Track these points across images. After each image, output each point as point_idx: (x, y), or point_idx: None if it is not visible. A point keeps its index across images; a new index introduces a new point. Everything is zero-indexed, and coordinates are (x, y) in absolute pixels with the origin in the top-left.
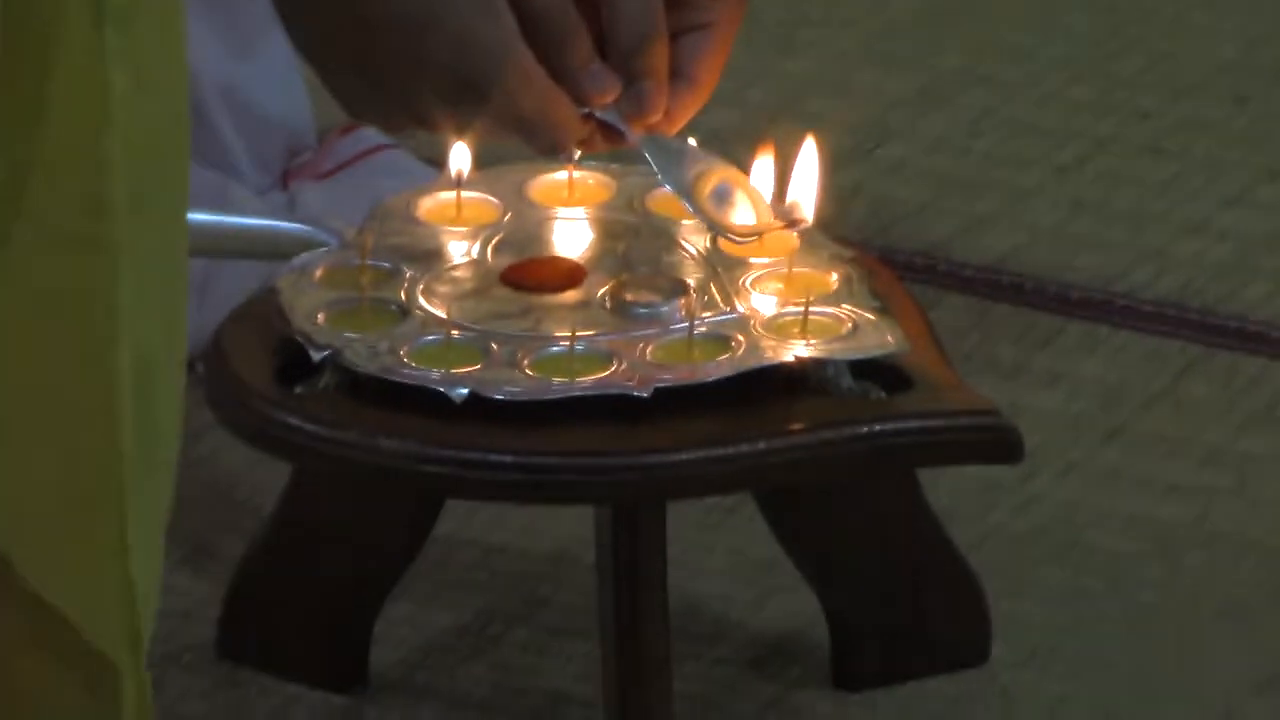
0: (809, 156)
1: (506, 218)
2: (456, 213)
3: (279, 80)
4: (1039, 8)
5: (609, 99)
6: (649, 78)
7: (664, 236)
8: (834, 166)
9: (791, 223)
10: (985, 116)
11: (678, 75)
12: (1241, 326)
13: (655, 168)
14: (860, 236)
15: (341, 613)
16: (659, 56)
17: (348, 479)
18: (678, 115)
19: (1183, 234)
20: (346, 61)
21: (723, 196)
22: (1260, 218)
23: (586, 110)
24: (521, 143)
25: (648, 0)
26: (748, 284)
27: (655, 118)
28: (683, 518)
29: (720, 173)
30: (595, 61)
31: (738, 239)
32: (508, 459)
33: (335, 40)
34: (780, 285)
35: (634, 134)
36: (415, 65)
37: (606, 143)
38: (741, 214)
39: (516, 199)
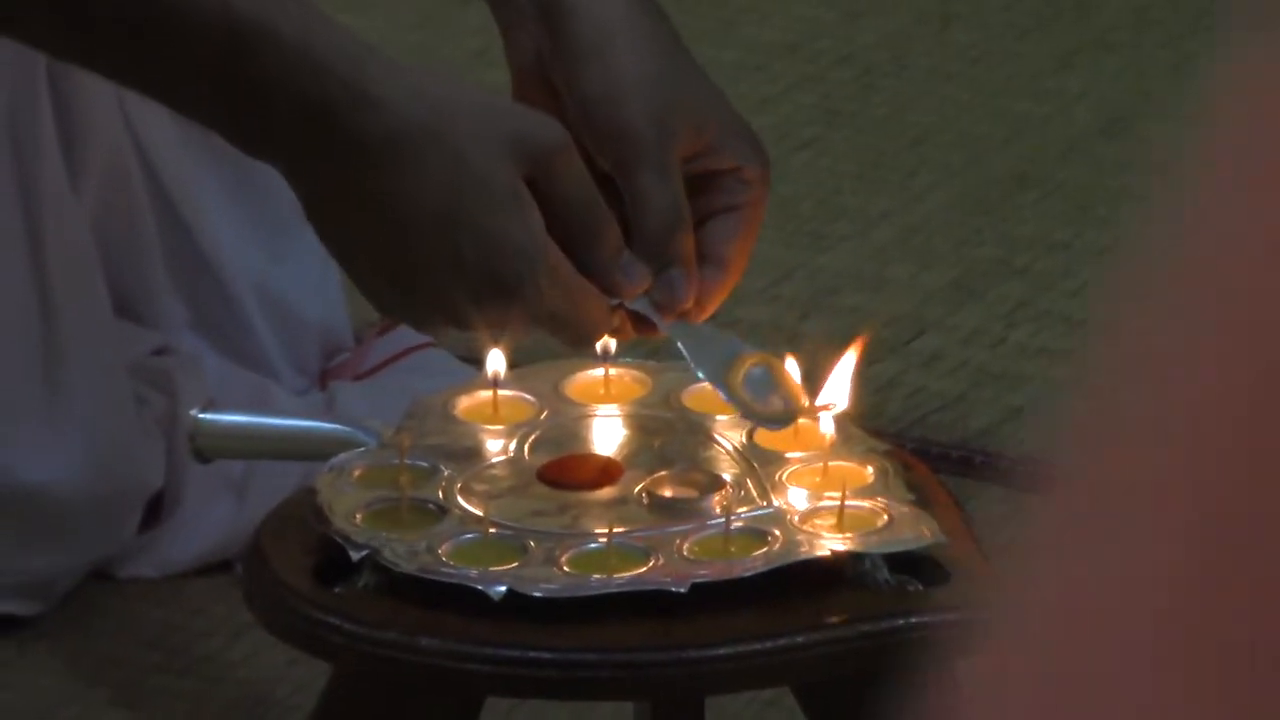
0: (846, 350)
1: (543, 415)
2: (494, 411)
3: (314, 281)
4: (1073, 198)
5: (639, 292)
6: (678, 266)
7: (699, 432)
8: (870, 359)
9: (825, 407)
10: (1020, 308)
11: (706, 260)
12: None
13: (687, 356)
14: (896, 429)
15: None
16: (687, 244)
17: (388, 678)
18: (708, 301)
19: None
20: (376, 261)
21: (757, 382)
22: None
23: (617, 302)
24: (552, 337)
25: (672, 187)
26: (783, 478)
27: (687, 305)
28: (722, 712)
29: (753, 358)
30: (625, 254)
31: (771, 424)
32: (546, 656)
33: (363, 240)
34: (816, 479)
35: (665, 323)
36: (444, 264)
37: (638, 333)
38: (775, 400)
39: (553, 397)
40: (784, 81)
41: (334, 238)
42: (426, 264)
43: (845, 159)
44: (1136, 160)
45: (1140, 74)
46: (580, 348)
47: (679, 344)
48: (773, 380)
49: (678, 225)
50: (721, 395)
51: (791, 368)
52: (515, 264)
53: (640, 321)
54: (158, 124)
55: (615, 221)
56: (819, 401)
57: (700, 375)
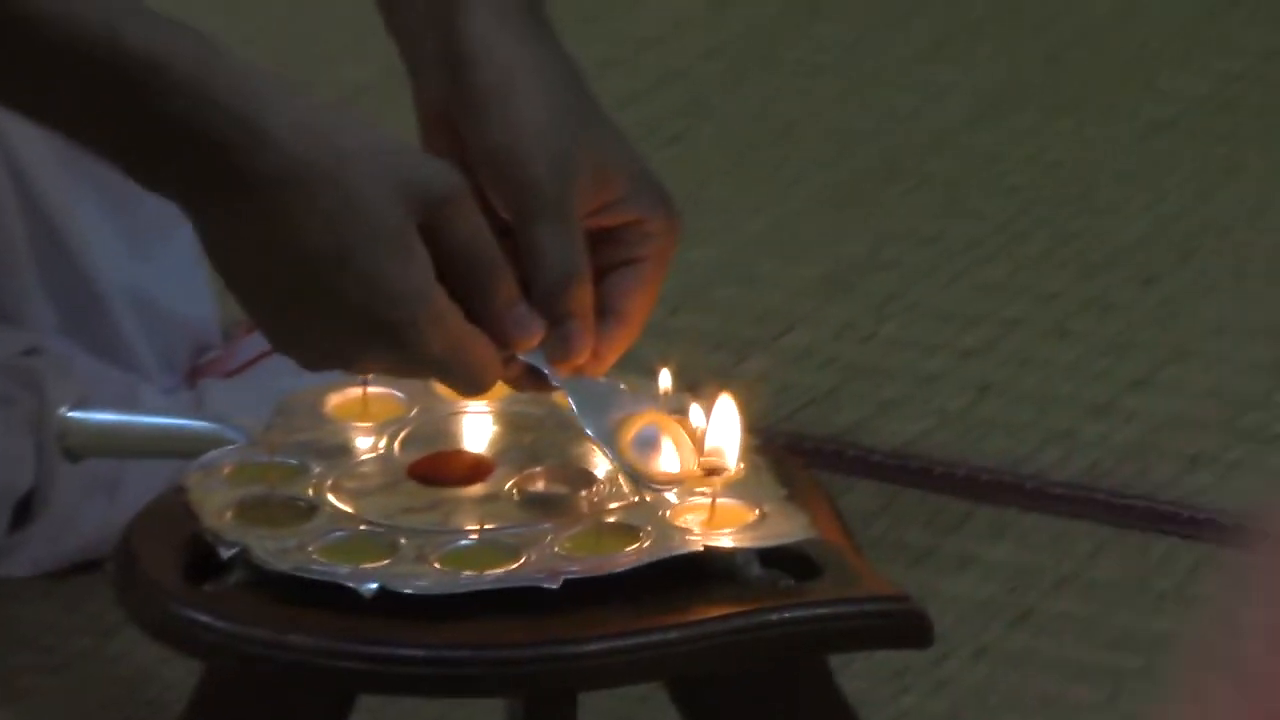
0: (728, 407)
1: (413, 412)
2: (363, 408)
3: (182, 279)
4: (944, 192)
5: (533, 344)
6: (573, 319)
7: (570, 428)
8: (739, 355)
9: (712, 471)
10: (890, 301)
11: (606, 313)
12: (1150, 507)
13: (576, 413)
14: (767, 424)
15: None
16: (583, 297)
17: (259, 676)
18: (607, 354)
19: (1090, 415)
20: (266, 299)
21: (646, 442)
22: (1167, 398)
23: (511, 354)
24: (441, 384)
25: (569, 239)
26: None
27: (581, 359)
28: (595, 708)
29: (644, 418)
30: (519, 304)
31: (657, 488)
32: (418, 653)
33: (254, 277)
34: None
35: (558, 377)
36: (328, 308)
37: (532, 387)
38: (664, 461)
39: (423, 394)
40: (650, 75)
41: (226, 270)
42: (311, 305)
43: (713, 153)
44: (1006, 151)
45: (1010, 63)
46: (469, 396)
47: (570, 401)
48: (663, 440)
49: (574, 277)
50: (608, 456)
51: (697, 416)
52: (397, 310)
53: (536, 375)
54: (24, 127)
55: (510, 271)
56: (705, 461)
57: (588, 433)
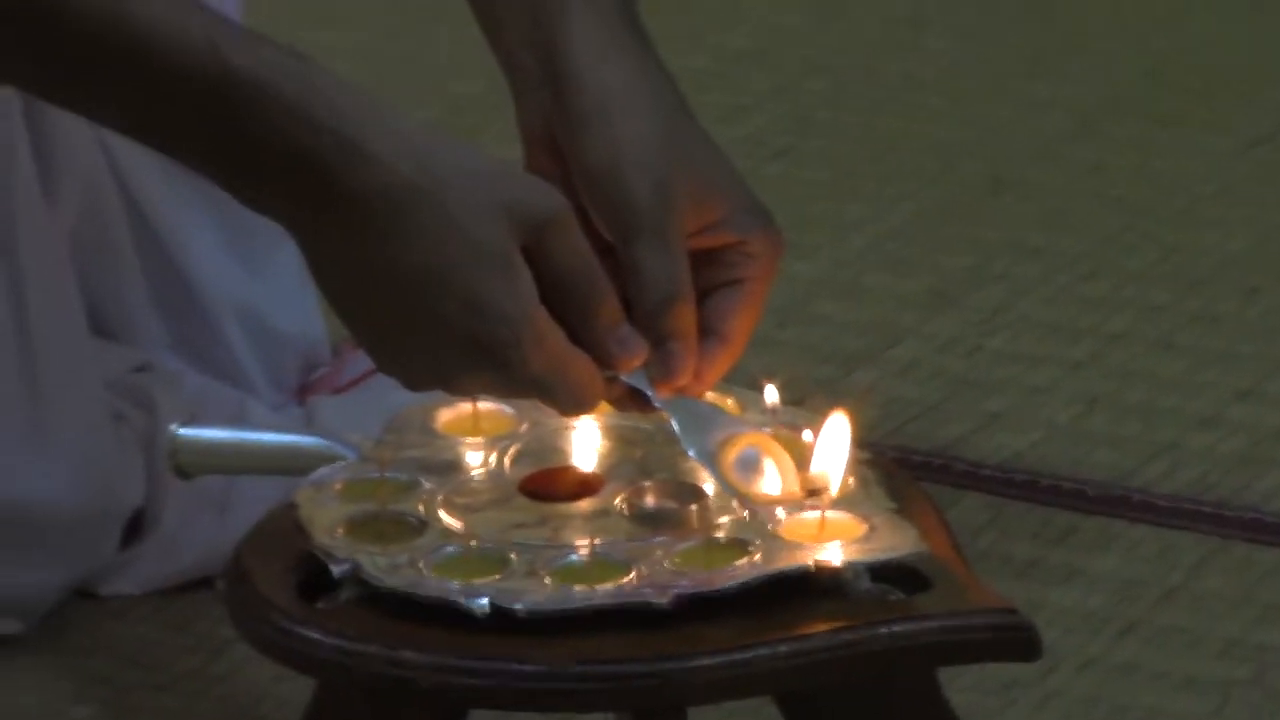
0: (837, 426)
1: (523, 428)
2: (474, 424)
3: (290, 295)
4: (1049, 205)
5: (635, 364)
6: (675, 340)
7: (679, 443)
8: (847, 368)
9: (814, 492)
10: (996, 315)
11: (708, 333)
12: (1257, 518)
13: (679, 433)
14: (875, 437)
15: None
16: (685, 317)
17: (371, 693)
18: (709, 375)
19: (1196, 428)
20: (369, 318)
21: (749, 463)
22: (1272, 410)
23: (614, 374)
24: (543, 404)
25: (672, 260)
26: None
27: (683, 381)
28: None
29: (747, 438)
30: (622, 325)
31: (759, 509)
32: (529, 669)
33: (357, 295)
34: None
35: (660, 398)
36: (430, 327)
37: (637, 408)
38: (766, 482)
39: (532, 409)
40: (754, 90)
41: (331, 290)
42: (413, 325)
43: (817, 168)
44: (1108, 164)
45: (1110, 76)
46: (572, 415)
47: (672, 422)
48: (766, 461)
49: (676, 298)
50: (711, 475)
51: (805, 436)
52: (498, 330)
53: (639, 395)
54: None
55: (612, 292)
56: (808, 481)
57: (690, 453)
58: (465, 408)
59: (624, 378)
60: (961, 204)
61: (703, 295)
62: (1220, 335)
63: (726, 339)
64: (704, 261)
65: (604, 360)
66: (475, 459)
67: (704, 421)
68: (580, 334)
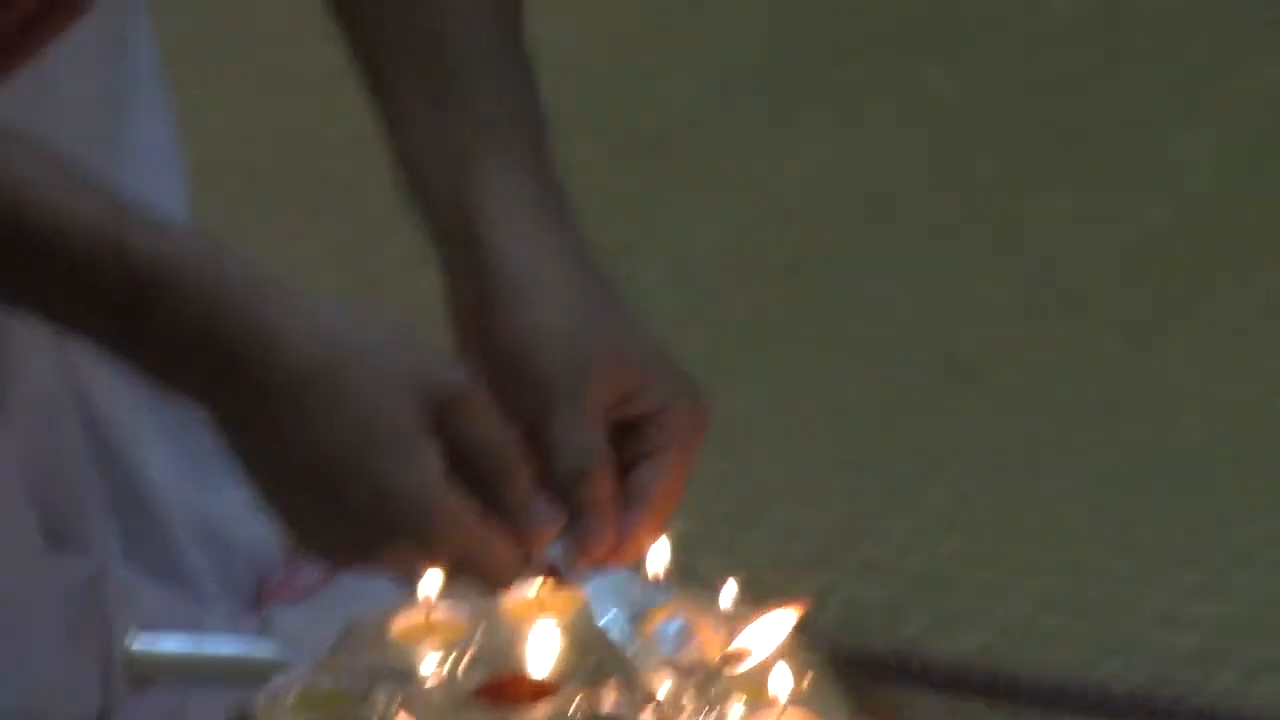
0: (782, 620)
1: (478, 633)
2: (428, 630)
3: (243, 502)
4: (1001, 398)
5: (549, 538)
6: (590, 511)
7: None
8: (805, 570)
9: (740, 656)
10: (954, 515)
11: (631, 504)
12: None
13: (593, 606)
14: (834, 638)
15: None
16: (601, 488)
17: None
18: (630, 546)
19: (1152, 624)
20: (283, 498)
21: (670, 635)
22: (1228, 605)
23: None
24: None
25: (587, 429)
26: (723, 688)
27: (599, 553)
28: None
29: (667, 609)
30: (534, 498)
31: (681, 679)
32: None
33: (270, 476)
34: (754, 690)
35: (577, 571)
36: (341, 510)
37: (558, 581)
38: (689, 653)
39: (488, 614)
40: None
41: (245, 469)
42: (328, 510)
43: (763, 373)
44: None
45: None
46: (491, 592)
47: (588, 595)
48: (687, 631)
49: (591, 469)
50: (627, 651)
51: (725, 598)
52: (406, 511)
53: (557, 569)
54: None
55: (524, 465)
56: (735, 648)
57: (608, 630)
58: (419, 615)
59: (544, 551)
60: (908, 400)
61: (626, 468)
62: (1177, 530)
63: (647, 508)
64: (626, 434)
65: (518, 534)
66: (430, 665)
67: (624, 594)
68: (493, 507)
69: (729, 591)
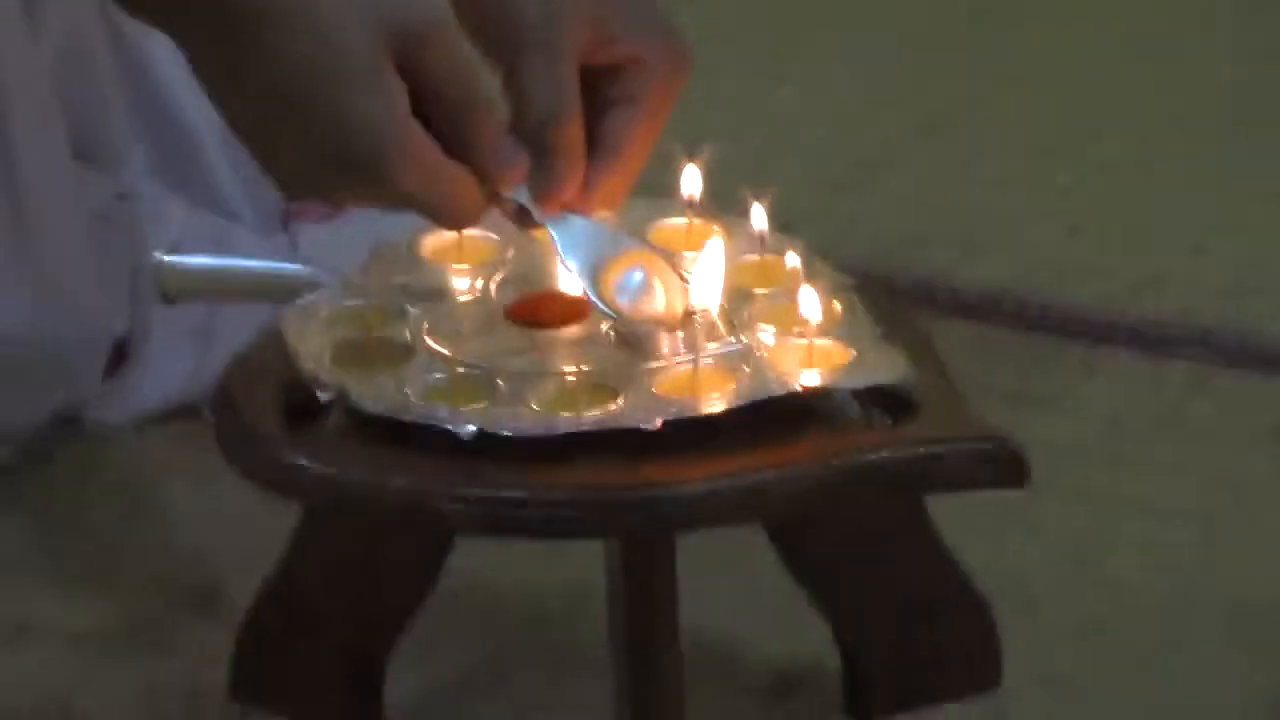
0: (715, 251)
1: (509, 254)
2: (459, 250)
3: None
4: (1033, 40)
5: (515, 179)
6: (559, 155)
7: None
8: (832, 196)
9: (689, 314)
10: (982, 143)
11: (600, 150)
12: (1244, 345)
13: (559, 250)
14: (860, 266)
15: (354, 652)
16: (569, 132)
17: (357, 518)
18: (598, 191)
19: (1184, 254)
20: (249, 129)
21: (632, 284)
22: (1258, 237)
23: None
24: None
25: (559, 72)
26: (751, 314)
27: (566, 196)
28: (693, 549)
29: (632, 257)
30: (501, 138)
31: (634, 328)
32: (517, 495)
33: (237, 107)
34: (784, 314)
35: (543, 213)
36: (298, 136)
37: (522, 225)
38: (647, 301)
39: (518, 234)
40: None
41: (215, 100)
42: (287, 137)
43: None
44: None
45: None
46: (451, 229)
47: (552, 236)
48: (650, 282)
49: (560, 112)
50: (586, 293)
51: (692, 257)
52: (362, 143)
53: (526, 213)
54: None
55: (493, 107)
56: (691, 304)
57: (571, 270)
58: (450, 235)
59: (511, 193)
60: (944, 33)
61: (598, 113)
62: (1209, 163)
63: (617, 154)
64: (601, 78)
65: (484, 175)
66: (461, 285)
67: (586, 238)
68: (459, 148)
69: (758, 216)
